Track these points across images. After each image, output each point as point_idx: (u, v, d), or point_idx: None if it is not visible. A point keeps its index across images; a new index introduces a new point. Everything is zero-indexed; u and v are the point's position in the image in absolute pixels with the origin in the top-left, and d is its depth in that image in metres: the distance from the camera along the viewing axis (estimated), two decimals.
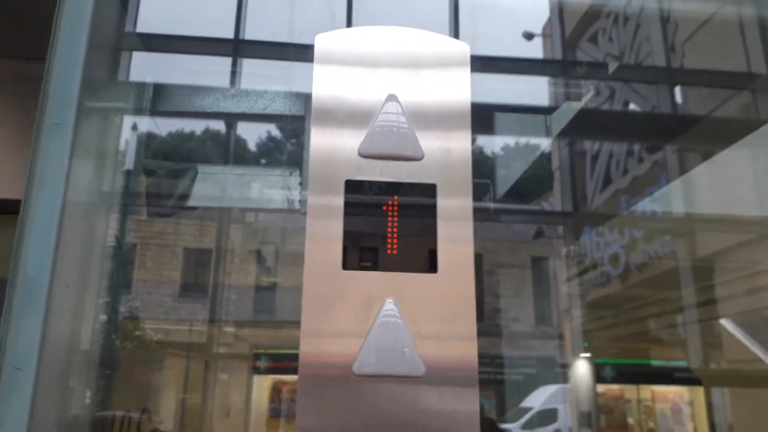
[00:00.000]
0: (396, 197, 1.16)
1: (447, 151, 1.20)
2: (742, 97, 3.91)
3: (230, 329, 8.49)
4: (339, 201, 1.14)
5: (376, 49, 1.26)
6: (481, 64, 3.88)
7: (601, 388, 10.01)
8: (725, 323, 5.24)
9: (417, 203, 1.16)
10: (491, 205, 5.87)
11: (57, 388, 1.97)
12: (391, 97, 1.22)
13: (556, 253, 7.95)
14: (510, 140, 7.33)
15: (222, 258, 6.55)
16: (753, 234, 4.25)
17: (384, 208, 1.16)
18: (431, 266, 1.13)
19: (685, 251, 5.24)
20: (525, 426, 9.49)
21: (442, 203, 1.16)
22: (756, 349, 4.73)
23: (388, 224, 1.14)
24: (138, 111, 3.11)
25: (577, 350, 7.38)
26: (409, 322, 1.08)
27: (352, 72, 1.24)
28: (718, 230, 4.74)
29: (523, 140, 7.12)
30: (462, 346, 1.09)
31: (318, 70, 1.23)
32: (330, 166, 1.17)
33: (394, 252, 1.13)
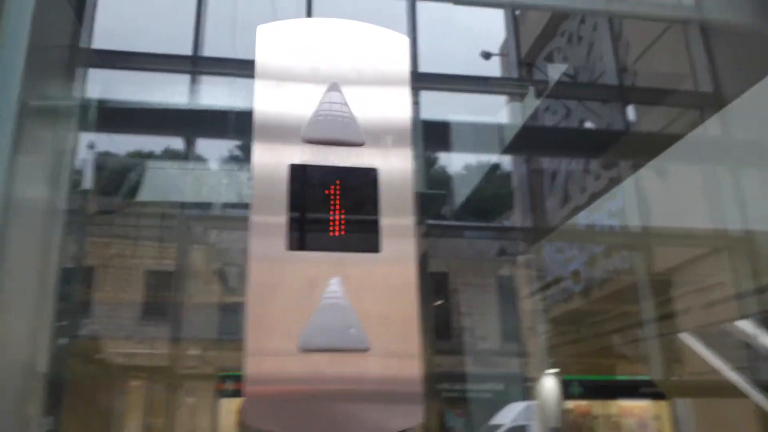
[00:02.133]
0: (338, 181, 1.18)
1: (388, 138, 1.23)
2: (692, 113, 4.02)
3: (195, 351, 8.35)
4: (283, 185, 1.17)
5: (318, 39, 1.29)
6: (441, 80, 3.94)
7: (570, 404, 10.04)
8: (685, 337, 5.30)
9: (359, 186, 1.19)
10: (455, 222, 5.91)
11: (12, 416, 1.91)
12: (334, 86, 1.25)
13: (519, 271, 8.01)
14: (471, 159, 7.42)
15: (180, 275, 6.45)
16: (706, 248, 4.34)
17: (326, 192, 1.18)
18: (373, 246, 1.16)
19: (643, 266, 5.32)
20: None
21: (384, 186, 1.19)
22: (715, 361, 4.80)
23: (331, 206, 1.17)
24: (86, 124, 3.07)
25: (543, 366, 7.41)
26: (353, 301, 1.11)
27: (294, 62, 1.27)
28: (674, 244, 4.82)
29: (485, 158, 7.21)
30: (403, 321, 1.12)
31: (260, 59, 1.26)
32: (274, 151, 1.19)
33: (339, 233, 1.16)
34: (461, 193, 5.78)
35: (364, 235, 1.16)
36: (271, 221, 1.14)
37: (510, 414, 10.06)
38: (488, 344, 10.67)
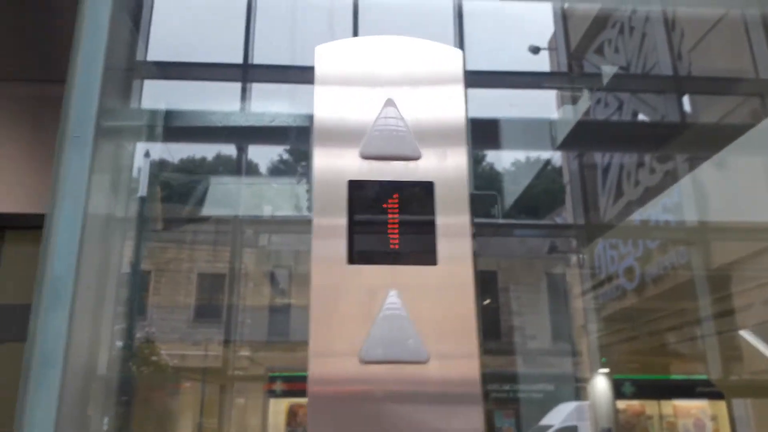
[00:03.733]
0: (396, 195, 1.22)
1: (443, 151, 1.26)
2: (752, 102, 3.90)
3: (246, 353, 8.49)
4: (343, 201, 1.21)
5: (374, 57, 1.33)
6: (489, 78, 3.91)
7: (622, 404, 9.84)
8: (745, 334, 5.16)
9: (416, 200, 1.23)
10: (504, 221, 5.86)
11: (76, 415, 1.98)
12: (389, 102, 1.29)
13: (571, 268, 7.90)
14: (521, 155, 7.34)
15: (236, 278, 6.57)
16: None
17: (384, 206, 1.22)
18: (431, 259, 1.19)
19: (700, 261, 5.19)
20: None
21: (440, 200, 1.23)
22: None
23: (389, 220, 1.21)
24: (151, 136, 3.15)
25: (594, 366, 7.29)
26: (411, 312, 1.14)
27: (351, 80, 1.31)
28: (733, 239, 4.69)
29: (533, 155, 7.13)
30: (462, 333, 1.14)
31: (319, 78, 1.30)
32: (333, 167, 1.24)
33: (396, 246, 1.20)
34: (510, 190, 5.73)
35: (421, 249, 1.20)
36: (332, 236, 1.19)
37: (560, 414, 9.93)
38: (538, 343, 10.55)
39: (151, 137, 3.35)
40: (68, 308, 1.56)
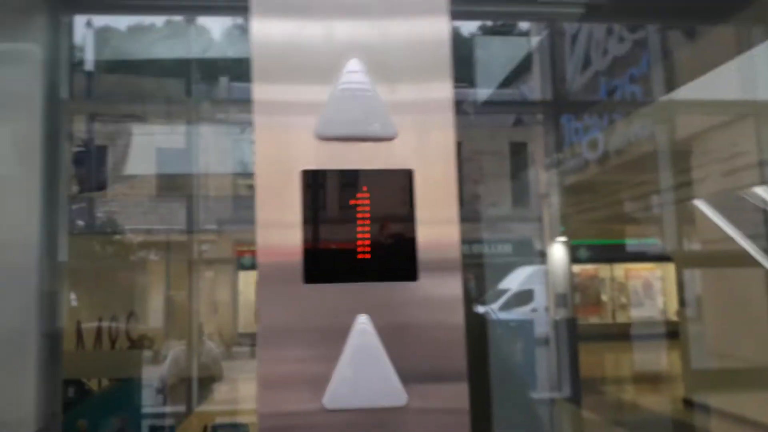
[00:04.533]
0: (366, 188, 0.93)
1: (425, 126, 0.96)
2: None
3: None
4: (294, 197, 0.92)
5: None
6: None
7: (577, 268, 10.36)
8: (698, 204, 5.32)
9: (391, 194, 0.94)
10: (472, 91, 5.73)
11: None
12: (354, 59, 0.95)
13: (535, 139, 7.91)
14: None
15: None
16: (732, 116, 4.23)
17: (352, 202, 0.93)
18: (410, 273, 0.93)
19: (664, 134, 5.23)
20: (503, 307, 9.88)
21: (422, 193, 0.94)
22: (727, 228, 4.84)
23: (357, 222, 0.93)
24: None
25: (554, 234, 7.52)
26: (386, 343, 0.90)
27: (299, 17, 0.96)
28: (695, 113, 4.71)
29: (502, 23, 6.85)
30: (449, 371, 0.91)
31: (256, 16, 0.95)
32: (281, 154, 0.93)
33: (366, 257, 0.92)
34: (478, 57, 5.56)
35: (398, 259, 0.92)
36: (281, 246, 0.90)
37: (517, 278, 10.42)
38: (498, 211, 10.81)
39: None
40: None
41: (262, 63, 0.95)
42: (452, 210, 0.95)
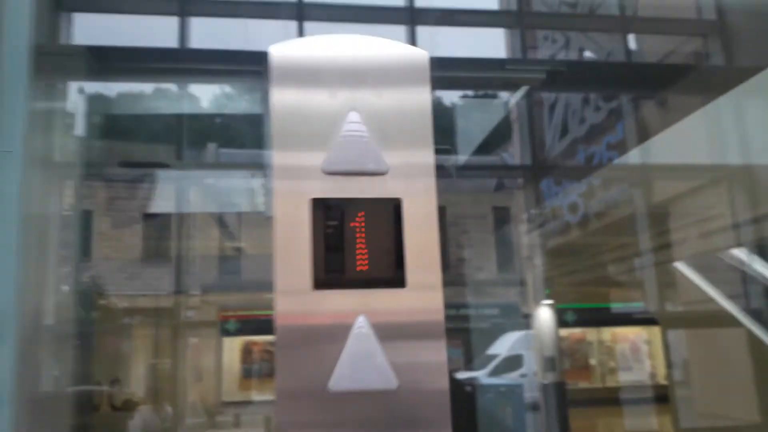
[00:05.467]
0: (362, 213, 1.14)
1: (410, 164, 1.18)
2: (695, 42, 3.96)
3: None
4: (305, 220, 1.13)
5: (336, 59, 1.21)
6: (439, 16, 3.85)
7: (565, 332, 10.32)
8: (680, 266, 5.39)
9: (384, 218, 1.16)
10: (455, 158, 5.89)
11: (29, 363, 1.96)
12: (353, 111, 1.19)
13: (517, 203, 8.06)
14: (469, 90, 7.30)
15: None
16: (705, 180, 4.36)
17: (352, 224, 1.14)
18: (399, 281, 1.13)
19: (641, 197, 5.36)
20: (493, 372, 9.76)
21: (409, 217, 1.15)
22: (708, 289, 4.90)
23: (356, 241, 1.13)
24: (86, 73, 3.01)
25: (539, 297, 7.56)
26: (381, 337, 1.10)
27: (311, 85, 1.19)
28: (672, 177, 4.85)
29: (482, 91, 7.10)
30: (432, 359, 1.11)
31: (276, 84, 1.18)
32: (295, 186, 1.15)
33: (364, 268, 1.13)
34: (460, 126, 5.74)
35: (390, 270, 1.13)
36: (295, 259, 1.11)
37: (506, 344, 10.35)
38: (485, 275, 10.85)
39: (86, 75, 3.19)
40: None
41: (280, 130, 1.17)
42: (436, 276, 1.16)
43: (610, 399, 9.28)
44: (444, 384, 1.10)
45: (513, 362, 9.91)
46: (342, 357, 1.08)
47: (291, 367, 1.07)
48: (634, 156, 5.11)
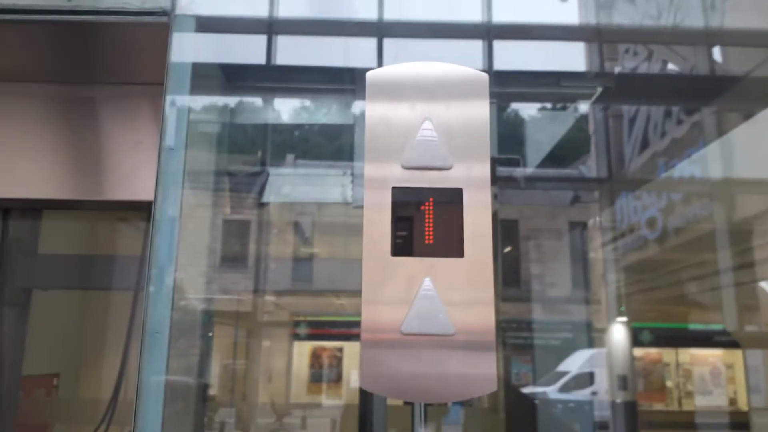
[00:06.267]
0: (432, 199, 1.50)
1: (470, 163, 1.55)
2: None
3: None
4: (388, 203, 1.51)
5: (416, 80, 1.60)
6: (514, 30, 3.89)
7: (639, 352, 10.01)
8: (763, 285, 5.22)
9: (448, 203, 1.51)
10: (528, 170, 5.89)
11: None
12: (427, 121, 1.56)
13: (593, 218, 7.93)
14: (547, 104, 7.26)
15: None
16: None
17: (422, 207, 1.49)
18: (459, 252, 1.47)
19: (722, 213, 5.21)
20: (562, 389, 9.61)
21: (467, 203, 1.50)
22: None
23: (425, 220, 1.49)
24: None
25: (612, 315, 7.41)
26: (442, 295, 1.44)
27: (397, 100, 1.58)
28: (757, 192, 4.70)
29: (559, 104, 7.05)
30: (482, 313, 1.44)
31: (370, 100, 1.56)
32: (381, 176, 1.54)
33: (431, 241, 1.48)
34: (535, 139, 5.74)
35: (451, 243, 1.47)
36: (379, 232, 1.48)
37: (577, 361, 10.14)
38: (557, 291, 10.67)
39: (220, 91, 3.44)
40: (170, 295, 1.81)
41: (372, 143, 1.59)
42: (489, 292, 1.51)
43: (686, 423, 8.95)
44: (491, 327, 1.43)
45: (583, 380, 9.72)
46: (411, 308, 1.42)
47: (373, 313, 1.43)
48: (715, 169, 4.99)
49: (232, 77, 3.05)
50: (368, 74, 1.58)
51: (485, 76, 1.59)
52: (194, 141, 2.22)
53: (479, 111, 1.58)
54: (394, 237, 1.47)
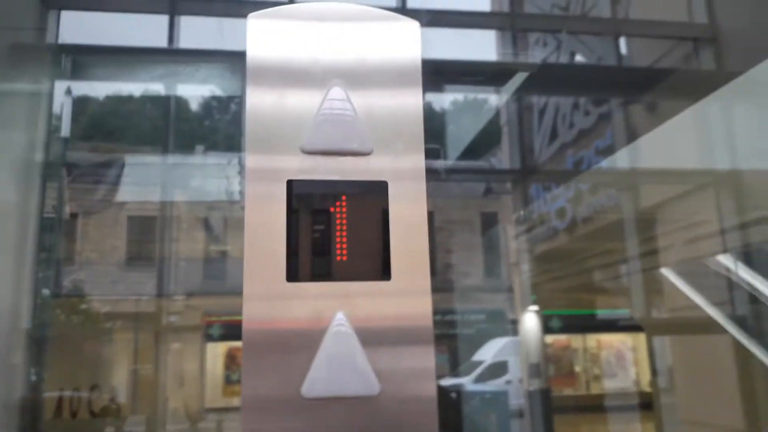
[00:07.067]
0: (344, 197, 1.03)
1: (397, 145, 1.07)
2: (684, 46, 3.96)
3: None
4: (281, 203, 1.02)
5: (318, 28, 1.11)
6: (430, 17, 3.82)
7: (550, 338, 10.31)
8: (665, 272, 5.40)
9: (367, 203, 1.04)
10: (443, 163, 5.86)
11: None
12: (336, 85, 1.07)
13: (504, 208, 8.05)
14: (459, 96, 7.28)
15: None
16: (692, 185, 4.37)
17: (332, 209, 1.03)
18: (384, 273, 1.02)
19: (629, 203, 5.36)
20: (478, 379, 9.74)
21: (395, 203, 1.04)
22: (694, 296, 4.90)
23: (337, 228, 1.03)
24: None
25: (525, 303, 7.55)
26: (361, 336, 0.98)
27: (292, 56, 1.08)
28: (660, 182, 4.85)
29: (471, 96, 7.08)
30: (419, 359, 1.00)
31: (252, 55, 1.07)
32: (270, 165, 1.04)
33: (344, 258, 1.02)
34: (450, 131, 5.72)
35: (373, 261, 1.02)
36: (267, 248, 1.00)
37: (491, 350, 10.33)
38: (471, 281, 10.82)
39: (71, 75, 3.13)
40: None
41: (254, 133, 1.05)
42: (426, 329, 1.02)
43: (595, 406, 9.28)
44: (430, 378, 1.00)
45: (498, 369, 9.89)
46: (317, 358, 0.99)
47: (260, 370, 0.98)
48: (621, 160, 5.11)
49: None
50: (250, 18, 1.09)
51: (416, 24, 1.14)
52: None
53: (410, 74, 1.10)
54: (291, 254, 1.00)
